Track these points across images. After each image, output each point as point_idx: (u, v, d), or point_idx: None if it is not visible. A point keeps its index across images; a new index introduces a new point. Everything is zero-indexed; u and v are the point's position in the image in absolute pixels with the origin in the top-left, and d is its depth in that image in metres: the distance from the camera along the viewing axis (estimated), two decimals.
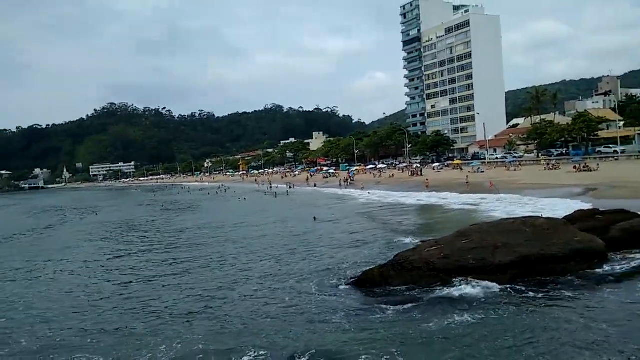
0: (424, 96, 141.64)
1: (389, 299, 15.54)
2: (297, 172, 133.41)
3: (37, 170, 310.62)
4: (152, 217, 54.23)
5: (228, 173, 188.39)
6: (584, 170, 55.41)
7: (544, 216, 21.23)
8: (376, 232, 30.18)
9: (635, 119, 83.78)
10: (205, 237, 34.17)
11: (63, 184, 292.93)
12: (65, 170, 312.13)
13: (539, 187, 45.01)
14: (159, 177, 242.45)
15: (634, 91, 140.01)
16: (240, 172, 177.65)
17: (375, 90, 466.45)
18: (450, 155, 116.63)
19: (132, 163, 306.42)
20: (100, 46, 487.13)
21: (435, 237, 21.52)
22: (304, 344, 12.49)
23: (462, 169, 79.19)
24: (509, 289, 15.42)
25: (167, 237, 35.96)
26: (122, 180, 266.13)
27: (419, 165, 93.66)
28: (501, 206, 36.51)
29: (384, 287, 16.50)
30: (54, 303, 18.63)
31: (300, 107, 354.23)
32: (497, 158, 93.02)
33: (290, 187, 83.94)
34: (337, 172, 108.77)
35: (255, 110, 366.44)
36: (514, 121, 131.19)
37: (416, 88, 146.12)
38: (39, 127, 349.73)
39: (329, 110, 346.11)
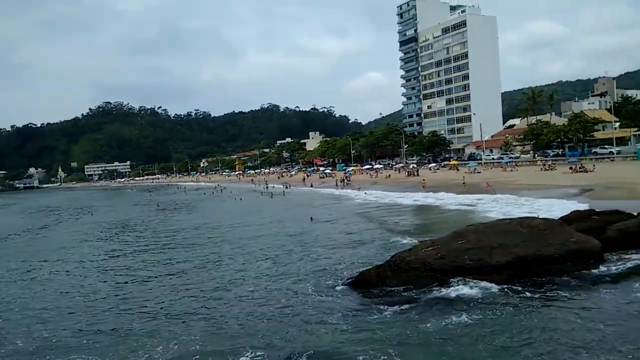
0: (421, 96, 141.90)
1: (385, 299, 15.53)
2: (293, 172, 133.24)
3: (32, 170, 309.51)
4: (147, 217, 54.05)
5: (224, 173, 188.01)
6: (580, 171, 55.61)
7: (540, 217, 21.28)
8: (373, 232, 30.18)
9: (630, 120, 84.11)
10: (201, 237, 34.06)
11: (58, 184, 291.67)
12: (60, 169, 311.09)
13: (535, 188, 45.12)
14: (154, 176, 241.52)
15: (629, 92, 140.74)
16: (237, 172, 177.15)
17: (371, 90, 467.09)
18: (447, 155, 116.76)
19: (128, 162, 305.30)
20: (97, 45, 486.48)
21: (431, 237, 21.57)
22: (300, 345, 12.47)
23: (458, 170, 79.35)
24: (505, 290, 15.45)
25: (163, 237, 35.82)
26: (118, 180, 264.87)
27: (415, 166, 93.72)
28: (497, 207, 36.55)
29: (380, 288, 16.48)
30: (50, 303, 18.53)
31: (297, 106, 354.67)
32: (493, 158, 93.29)
33: (286, 187, 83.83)
34: (333, 172, 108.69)
35: (251, 110, 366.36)
36: (510, 122, 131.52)
37: (412, 88, 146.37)
38: (33, 125, 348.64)
39: (326, 110, 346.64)
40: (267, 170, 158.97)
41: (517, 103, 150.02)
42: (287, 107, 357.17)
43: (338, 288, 17.41)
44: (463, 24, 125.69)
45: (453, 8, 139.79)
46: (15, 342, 14.30)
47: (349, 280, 17.74)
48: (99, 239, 37.83)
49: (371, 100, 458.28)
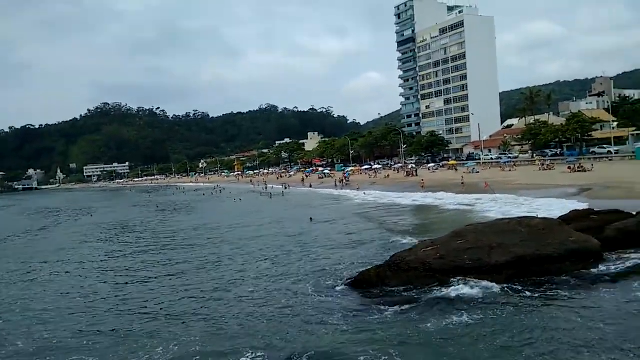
0: (419, 96, 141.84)
1: (385, 299, 15.55)
2: (292, 173, 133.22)
3: (31, 171, 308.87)
4: (147, 218, 54.04)
5: (223, 173, 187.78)
6: (579, 171, 55.69)
7: (539, 216, 21.32)
8: (372, 232, 30.19)
9: (628, 120, 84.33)
10: (200, 238, 34.06)
11: (57, 185, 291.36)
12: (59, 171, 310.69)
13: (534, 188, 45.18)
14: (153, 177, 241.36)
15: (627, 92, 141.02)
16: (236, 173, 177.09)
17: (370, 91, 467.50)
18: (445, 155, 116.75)
19: (127, 164, 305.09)
20: (97, 45, 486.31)
21: (431, 237, 21.58)
22: (301, 345, 12.48)
23: (457, 170, 79.39)
24: (505, 289, 15.47)
25: (162, 238, 35.79)
26: (117, 180, 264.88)
27: (414, 166, 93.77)
28: (496, 206, 36.61)
29: (380, 288, 16.50)
30: (50, 304, 18.53)
31: (295, 107, 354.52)
32: (492, 158, 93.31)
33: (285, 188, 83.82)
34: (332, 172, 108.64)
35: (250, 111, 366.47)
36: (508, 122, 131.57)
37: (411, 88, 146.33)
38: (32, 127, 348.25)
39: (324, 110, 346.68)
40: (266, 171, 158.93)
41: (515, 103, 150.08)
42: (285, 108, 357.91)
43: (338, 288, 17.42)
44: (461, 24, 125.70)
45: (450, 8, 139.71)
46: (16, 343, 14.31)
47: (349, 281, 17.75)
48: (99, 240, 37.80)
49: (370, 100, 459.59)
